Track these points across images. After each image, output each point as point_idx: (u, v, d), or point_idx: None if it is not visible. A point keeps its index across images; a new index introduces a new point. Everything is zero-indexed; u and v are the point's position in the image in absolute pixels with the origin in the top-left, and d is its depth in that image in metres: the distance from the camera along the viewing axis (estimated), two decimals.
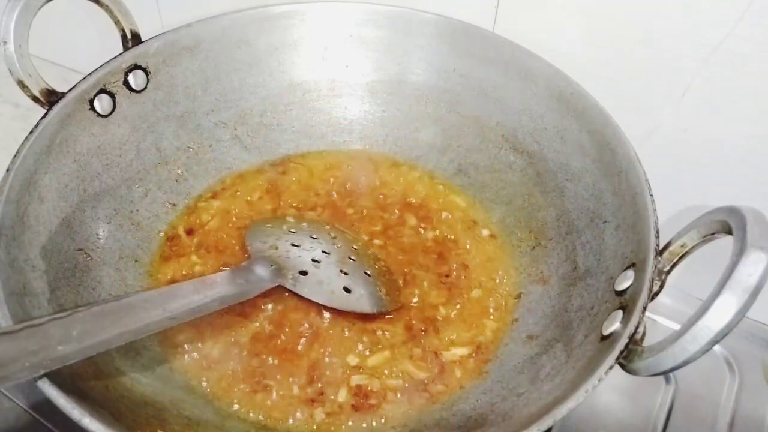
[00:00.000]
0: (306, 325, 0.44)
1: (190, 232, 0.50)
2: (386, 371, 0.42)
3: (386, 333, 0.44)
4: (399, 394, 0.41)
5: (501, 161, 0.52)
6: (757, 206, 0.30)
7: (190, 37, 0.51)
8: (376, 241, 0.50)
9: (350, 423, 0.40)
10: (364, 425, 0.40)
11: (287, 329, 0.43)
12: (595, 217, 0.43)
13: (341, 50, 0.56)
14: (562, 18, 0.49)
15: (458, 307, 0.46)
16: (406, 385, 0.41)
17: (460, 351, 0.43)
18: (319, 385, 0.41)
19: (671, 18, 0.44)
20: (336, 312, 0.44)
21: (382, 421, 0.40)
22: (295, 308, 0.44)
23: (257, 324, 0.44)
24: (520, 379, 0.40)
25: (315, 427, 0.39)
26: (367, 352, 0.43)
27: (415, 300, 0.46)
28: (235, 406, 0.40)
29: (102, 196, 0.46)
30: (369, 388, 0.41)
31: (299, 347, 0.43)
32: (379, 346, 0.43)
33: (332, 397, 0.40)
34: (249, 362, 0.42)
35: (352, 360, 0.42)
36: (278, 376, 0.41)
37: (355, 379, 0.41)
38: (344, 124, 0.57)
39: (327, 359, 0.42)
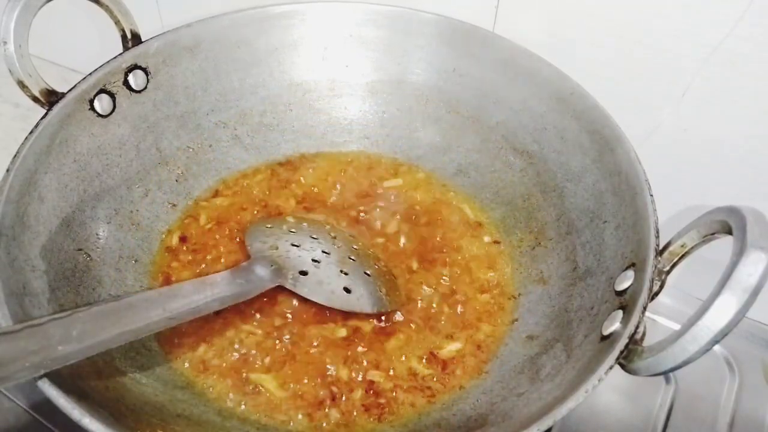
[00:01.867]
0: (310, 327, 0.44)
1: (189, 234, 0.50)
2: (391, 370, 0.42)
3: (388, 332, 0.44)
4: (402, 394, 0.41)
5: (501, 161, 0.52)
6: (757, 206, 0.30)
7: (190, 37, 0.51)
8: (377, 240, 0.50)
9: (355, 424, 0.40)
10: (369, 425, 0.40)
11: (287, 330, 0.43)
12: (595, 217, 0.43)
13: (341, 50, 0.56)
14: (562, 18, 0.49)
15: (458, 307, 0.46)
16: (409, 384, 0.41)
17: (456, 346, 0.43)
18: (333, 388, 0.41)
19: (671, 18, 0.44)
20: (337, 311, 0.44)
21: (386, 420, 0.40)
22: (295, 308, 0.44)
23: (258, 323, 0.44)
24: (520, 379, 0.40)
25: (321, 428, 0.39)
26: (370, 351, 0.43)
27: (414, 300, 0.46)
28: (237, 407, 0.40)
29: (102, 196, 0.46)
30: (380, 387, 0.41)
31: (301, 348, 0.43)
32: (383, 345, 0.43)
33: (344, 398, 0.40)
34: (250, 362, 0.42)
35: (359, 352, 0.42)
36: (281, 377, 0.41)
37: (371, 375, 0.41)
38: (344, 124, 0.57)
39: (331, 359, 0.42)
